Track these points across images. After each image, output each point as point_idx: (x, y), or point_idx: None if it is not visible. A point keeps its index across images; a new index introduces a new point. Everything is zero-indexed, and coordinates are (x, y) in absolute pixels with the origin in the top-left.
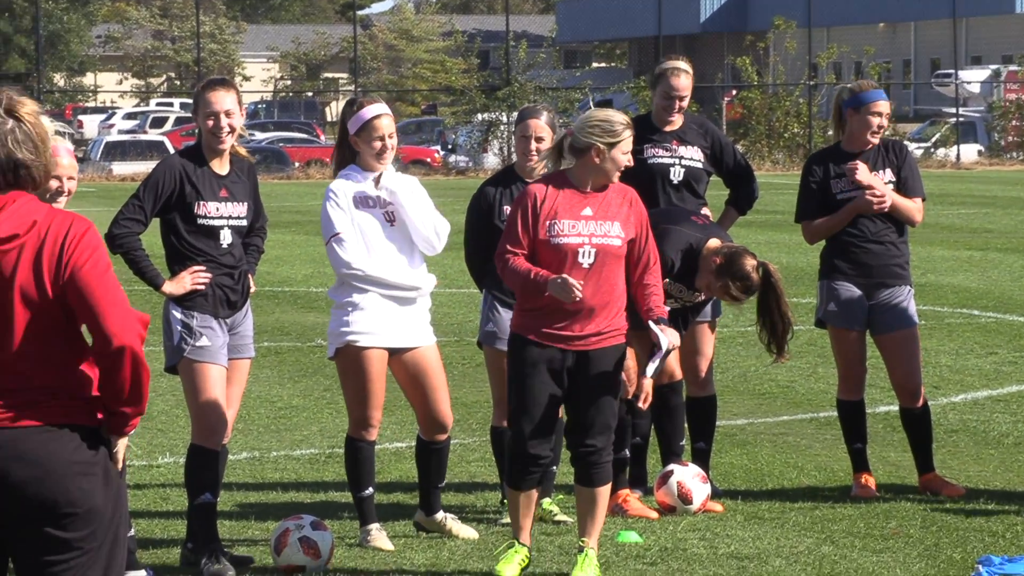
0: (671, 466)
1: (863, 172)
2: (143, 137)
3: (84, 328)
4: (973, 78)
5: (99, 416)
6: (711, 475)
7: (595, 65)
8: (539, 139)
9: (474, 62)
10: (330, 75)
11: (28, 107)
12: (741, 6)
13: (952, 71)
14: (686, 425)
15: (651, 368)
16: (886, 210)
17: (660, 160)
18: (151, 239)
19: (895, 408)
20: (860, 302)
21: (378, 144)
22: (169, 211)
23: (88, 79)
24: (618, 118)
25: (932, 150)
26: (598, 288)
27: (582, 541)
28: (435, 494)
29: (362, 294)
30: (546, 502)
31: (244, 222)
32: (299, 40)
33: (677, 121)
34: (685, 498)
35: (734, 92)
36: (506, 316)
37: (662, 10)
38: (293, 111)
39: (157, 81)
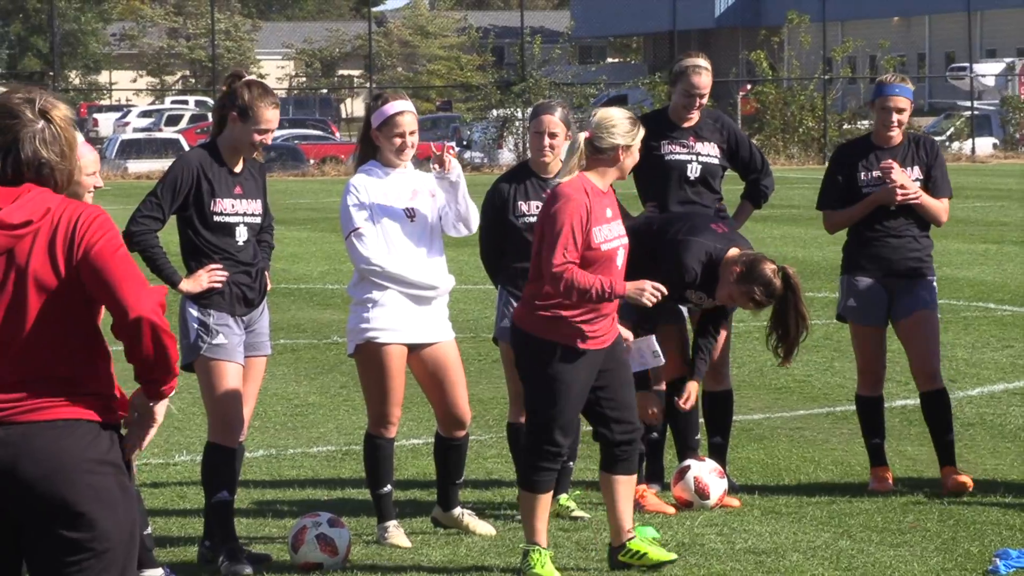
0: (688, 461)
1: (897, 172)
2: (158, 135)
3: (102, 327)
4: (988, 71)
5: (119, 413)
6: (728, 470)
7: (610, 60)
8: (552, 135)
9: (489, 58)
10: (345, 72)
11: (61, 111)
12: (755, 1)
13: (967, 64)
14: (701, 420)
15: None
16: (910, 204)
17: (677, 156)
18: (167, 236)
19: (911, 402)
20: (880, 298)
21: (398, 140)
22: (186, 208)
23: (103, 77)
24: (630, 116)
25: (947, 144)
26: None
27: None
28: (453, 490)
29: (381, 291)
30: (563, 498)
31: (259, 219)
32: (313, 38)
33: (694, 117)
34: (702, 493)
35: (749, 87)
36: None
37: (677, 5)
38: (308, 108)
39: (172, 79)
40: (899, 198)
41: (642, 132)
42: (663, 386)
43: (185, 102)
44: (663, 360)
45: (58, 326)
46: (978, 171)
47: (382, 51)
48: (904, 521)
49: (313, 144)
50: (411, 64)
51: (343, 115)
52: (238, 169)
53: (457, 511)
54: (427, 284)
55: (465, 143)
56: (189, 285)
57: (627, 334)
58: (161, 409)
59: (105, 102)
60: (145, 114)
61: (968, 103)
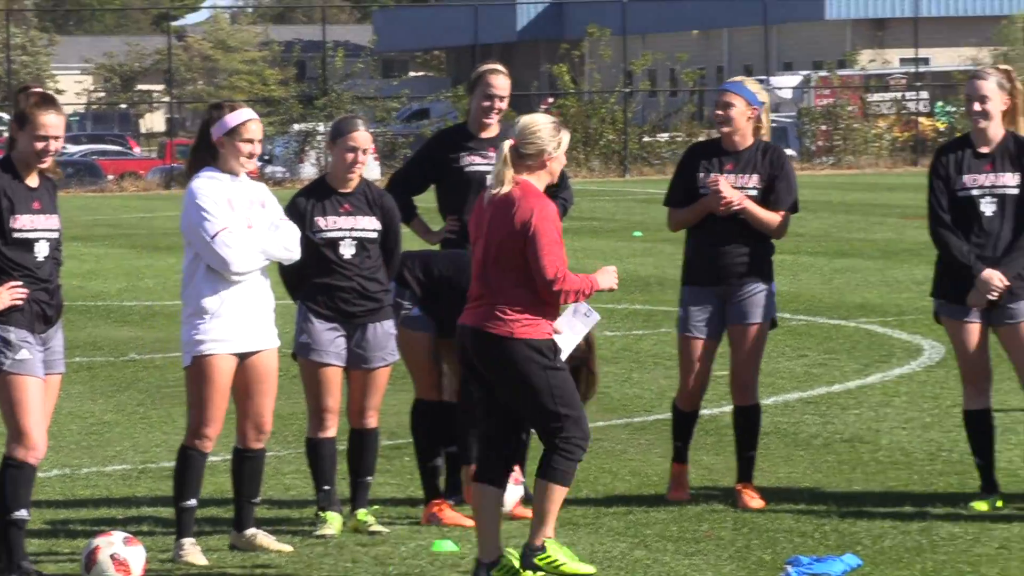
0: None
1: (723, 184)
2: None
3: None
4: (785, 84)
5: None
6: (524, 479)
7: (413, 74)
8: (365, 151)
9: (291, 72)
10: (144, 87)
11: None
12: (556, 15)
13: (764, 77)
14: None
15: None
16: (736, 212)
17: (477, 167)
18: None
19: (708, 412)
20: (709, 309)
21: (247, 147)
22: None
23: None
24: (553, 121)
25: None
26: None
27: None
28: (248, 509)
29: (219, 300)
30: (361, 513)
31: (57, 235)
32: (113, 52)
33: (494, 128)
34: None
35: (551, 100)
36: (320, 327)
37: (478, 19)
38: (107, 123)
39: None
40: (721, 209)
41: (567, 136)
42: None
43: None
44: (597, 316)
45: None
46: None
47: (182, 65)
48: (699, 530)
49: (111, 160)
50: (212, 78)
51: (142, 130)
52: (34, 184)
53: (250, 531)
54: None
55: (267, 157)
56: None
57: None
58: None
59: None
60: None
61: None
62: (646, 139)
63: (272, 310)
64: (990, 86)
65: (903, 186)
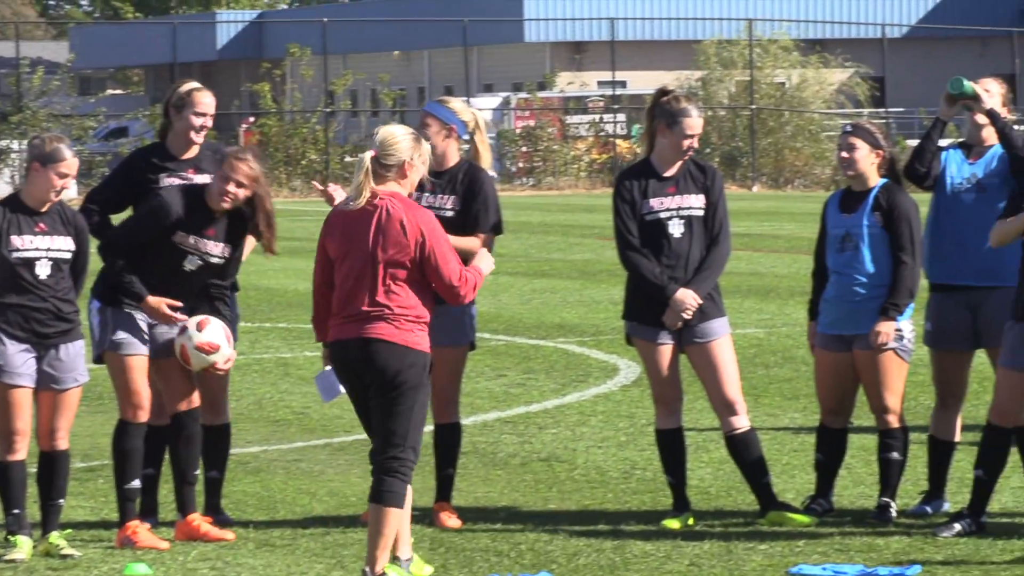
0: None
1: None
2: None
3: None
4: (485, 105)
5: None
6: (224, 504)
7: (111, 92)
8: (72, 176)
9: None
10: None
11: None
12: (257, 34)
13: (465, 98)
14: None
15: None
16: None
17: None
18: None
19: None
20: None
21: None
22: None
23: None
24: (412, 132)
25: None
26: None
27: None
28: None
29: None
30: (53, 536)
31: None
32: None
33: (195, 149)
34: (212, 350)
35: (252, 119)
36: (12, 348)
37: (177, 37)
38: None
39: None
40: None
41: (427, 146)
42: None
43: None
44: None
45: None
46: None
47: None
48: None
49: None
50: None
51: None
52: None
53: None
54: None
55: None
56: None
57: None
58: None
59: None
60: None
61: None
62: (348, 159)
63: None
64: (700, 122)
65: (601, 207)
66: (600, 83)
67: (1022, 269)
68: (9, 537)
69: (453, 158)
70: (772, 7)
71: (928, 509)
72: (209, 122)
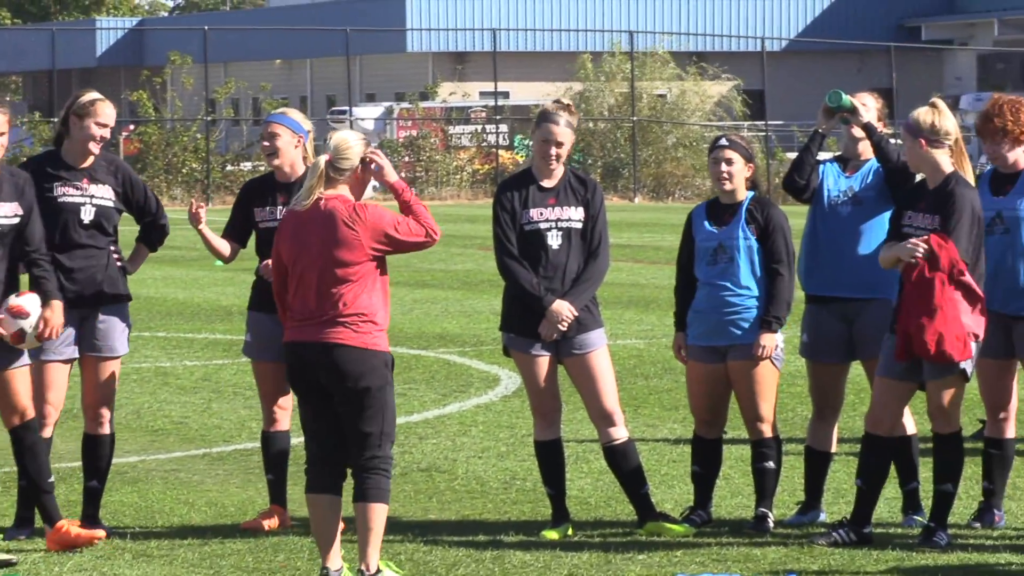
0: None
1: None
2: None
3: None
4: (367, 115)
5: None
6: (101, 514)
7: None
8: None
9: None
10: None
11: None
12: (137, 41)
13: (347, 108)
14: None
15: None
16: None
17: (70, 199)
18: None
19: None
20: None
21: None
22: None
23: None
24: (363, 137)
25: None
26: None
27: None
28: None
29: None
30: None
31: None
32: None
33: (89, 160)
34: (20, 313)
35: (132, 127)
36: None
37: (56, 44)
38: None
39: None
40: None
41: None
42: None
43: None
44: None
45: None
46: None
47: None
48: (275, 560)
49: None
50: None
51: None
52: None
53: None
54: None
55: None
56: None
57: None
58: None
59: None
60: None
61: None
62: (229, 168)
63: None
64: (564, 131)
65: (483, 218)
66: (482, 93)
67: (902, 282)
68: None
69: (301, 168)
70: (653, 19)
71: (805, 519)
72: (108, 133)
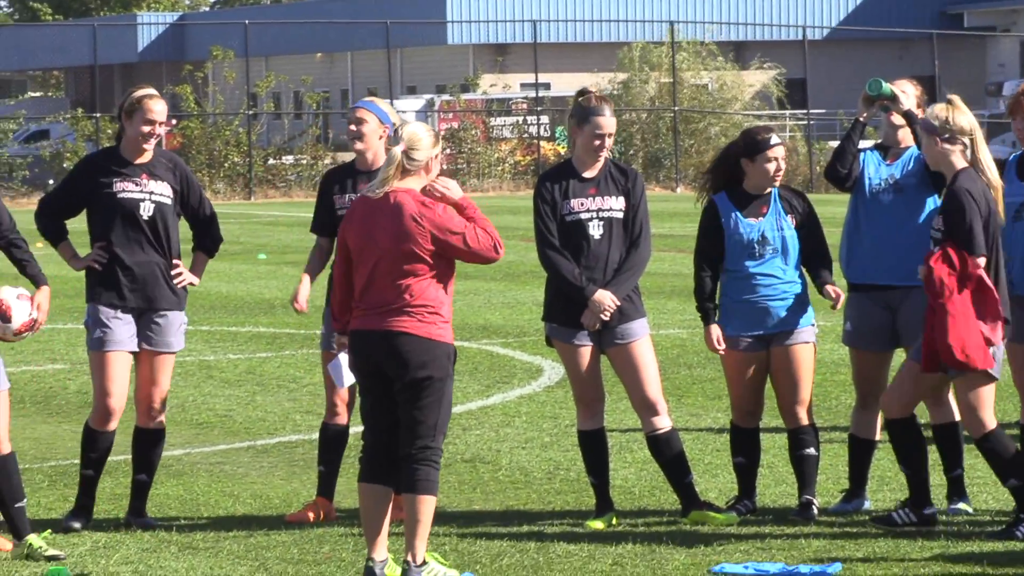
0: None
1: None
2: None
3: None
4: (408, 107)
5: None
6: (148, 507)
7: (32, 94)
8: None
9: None
10: None
11: None
12: (179, 36)
13: (389, 100)
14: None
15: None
16: None
17: (129, 195)
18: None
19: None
20: None
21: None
22: None
23: None
24: (430, 129)
25: None
26: None
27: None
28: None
29: None
30: (32, 538)
31: None
32: None
33: (148, 154)
34: (4, 316)
35: (174, 121)
36: None
37: (98, 39)
38: None
39: None
40: None
41: (440, 141)
42: None
43: None
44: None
45: None
46: None
47: None
48: (320, 552)
49: None
50: None
51: None
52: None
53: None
54: None
55: None
56: None
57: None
58: None
59: None
60: None
61: None
62: (271, 161)
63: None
64: (611, 121)
65: (525, 209)
66: (523, 85)
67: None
68: None
69: (383, 157)
70: (694, 9)
71: (849, 507)
72: (160, 129)
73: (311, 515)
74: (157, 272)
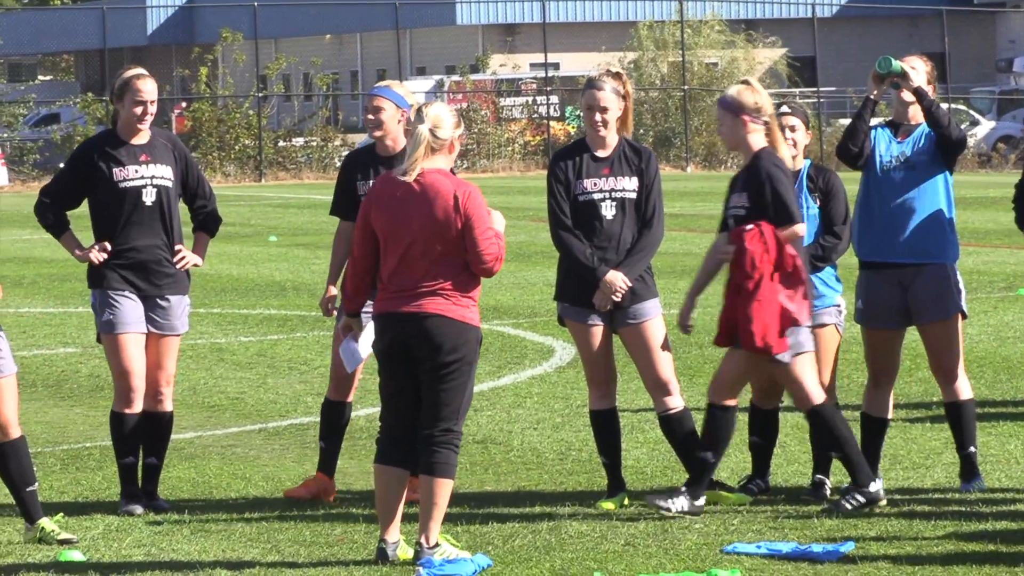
0: None
1: None
2: None
3: None
4: (418, 88)
5: None
6: (160, 490)
7: (41, 79)
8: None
9: None
10: None
11: None
12: (188, 19)
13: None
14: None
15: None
16: None
17: (132, 183)
18: None
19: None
20: None
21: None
22: None
23: None
24: (453, 110)
25: None
26: None
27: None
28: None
29: None
30: (44, 522)
31: None
32: None
33: (145, 135)
34: None
35: (184, 104)
36: None
37: (107, 22)
38: None
39: None
40: None
41: (462, 125)
42: None
43: None
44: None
45: None
46: None
47: None
48: (332, 534)
49: None
50: None
51: None
52: None
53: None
54: None
55: None
56: None
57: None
58: None
59: None
60: None
61: None
62: (281, 144)
63: None
64: (608, 96)
65: (536, 189)
66: (532, 65)
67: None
68: None
69: (402, 141)
70: None
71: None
72: (151, 108)
73: (305, 492)
74: (160, 256)
